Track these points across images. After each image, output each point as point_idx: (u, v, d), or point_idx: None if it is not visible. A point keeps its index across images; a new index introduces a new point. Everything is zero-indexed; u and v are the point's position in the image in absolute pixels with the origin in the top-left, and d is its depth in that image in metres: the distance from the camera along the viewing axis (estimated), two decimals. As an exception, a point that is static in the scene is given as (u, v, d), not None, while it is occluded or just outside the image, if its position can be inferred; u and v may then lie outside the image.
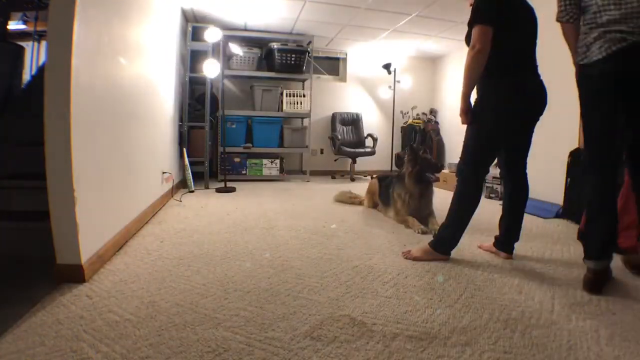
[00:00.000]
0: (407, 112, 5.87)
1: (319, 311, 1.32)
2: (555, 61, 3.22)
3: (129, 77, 2.12)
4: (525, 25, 1.73)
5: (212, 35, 3.79)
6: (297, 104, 4.82)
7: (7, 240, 1.76)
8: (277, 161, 4.81)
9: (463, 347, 1.11)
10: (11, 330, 1.13)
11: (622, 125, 1.50)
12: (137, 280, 1.54)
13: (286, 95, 4.78)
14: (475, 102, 1.77)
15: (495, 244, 1.97)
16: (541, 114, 1.78)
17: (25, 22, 3.49)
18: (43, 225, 1.48)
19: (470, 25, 1.67)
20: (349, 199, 3.42)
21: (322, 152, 5.72)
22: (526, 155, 1.88)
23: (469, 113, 1.76)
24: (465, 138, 1.82)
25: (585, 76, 1.53)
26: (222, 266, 1.73)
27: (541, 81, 1.76)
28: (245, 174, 4.73)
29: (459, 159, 1.84)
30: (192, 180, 3.83)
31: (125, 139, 2.10)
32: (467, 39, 1.71)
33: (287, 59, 4.63)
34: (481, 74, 1.67)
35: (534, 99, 1.74)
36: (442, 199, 3.14)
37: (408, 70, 5.89)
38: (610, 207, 1.52)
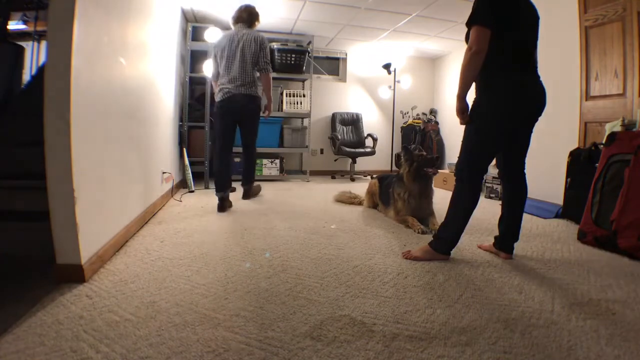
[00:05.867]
0: (407, 112, 5.87)
1: (319, 311, 1.32)
2: (555, 61, 3.23)
3: (129, 77, 2.12)
4: (527, 25, 1.73)
5: (212, 35, 3.79)
6: (297, 104, 4.82)
7: (7, 240, 1.75)
8: (277, 161, 4.81)
9: (463, 347, 1.11)
10: (11, 330, 1.13)
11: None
12: (137, 280, 1.54)
13: (286, 95, 4.78)
14: (473, 101, 1.77)
15: (495, 244, 1.97)
16: (540, 114, 1.78)
17: (25, 22, 3.49)
18: (43, 225, 1.47)
19: (468, 25, 1.67)
20: (349, 199, 3.42)
21: (322, 152, 5.72)
22: (524, 156, 1.88)
23: (465, 113, 1.76)
24: (463, 138, 1.82)
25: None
26: (222, 266, 1.73)
27: (541, 82, 1.75)
28: (245, 174, 4.73)
29: (457, 159, 1.84)
30: (192, 180, 3.83)
31: (126, 138, 2.10)
32: (467, 39, 1.71)
33: (287, 59, 4.63)
34: (478, 74, 1.67)
35: (533, 99, 1.73)
36: (442, 198, 3.14)
37: (408, 70, 5.89)
38: None
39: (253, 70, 3.06)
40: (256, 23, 3.23)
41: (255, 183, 3.66)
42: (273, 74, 4.81)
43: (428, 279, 1.63)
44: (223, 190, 3.00)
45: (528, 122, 1.80)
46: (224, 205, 2.98)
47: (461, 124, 1.80)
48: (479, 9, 1.63)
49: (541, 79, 1.76)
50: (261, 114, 3.32)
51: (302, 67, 4.75)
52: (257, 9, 3.22)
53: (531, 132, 1.84)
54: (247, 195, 3.52)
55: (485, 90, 1.74)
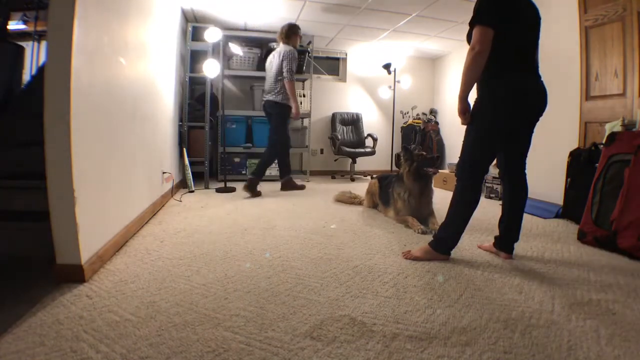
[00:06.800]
0: (407, 112, 5.87)
1: (319, 311, 1.32)
2: (555, 61, 3.23)
3: (129, 77, 2.12)
4: (528, 26, 1.72)
5: (212, 35, 3.79)
6: (297, 104, 4.81)
7: (7, 240, 1.75)
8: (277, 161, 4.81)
9: (463, 347, 1.11)
10: (11, 330, 1.13)
11: None
12: (137, 280, 1.54)
13: (286, 95, 4.78)
14: (475, 102, 1.77)
15: (495, 244, 1.97)
16: (541, 114, 1.78)
17: (25, 22, 3.49)
18: (43, 225, 1.48)
19: (471, 24, 1.67)
20: (349, 199, 3.42)
21: (322, 152, 5.72)
22: (525, 156, 1.88)
23: (467, 113, 1.76)
24: (464, 138, 1.82)
25: None
26: (222, 266, 1.73)
27: (542, 82, 1.75)
28: (245, 174, 4.73)
29: (458, 159, 1.84)
30: (192, 180, 3.83)
31: (125, 138, 2.10)
32: (469, 38, 1.71)
33: (287, 59, 4.62)
34: (480, 74, 1.67)
35: (534, 100, 1.73)
36: (442, 198, 3.14)
37: (408, 70, 5.89)
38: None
39: (276, 80, 3.66)
40: (293, 37, 3.74)
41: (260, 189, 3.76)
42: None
43: (428, 279, 1.63)
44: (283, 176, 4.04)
45: (529, 122, 1.80)
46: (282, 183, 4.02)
47: (463, 124, 1.80)
48: (482, 8, 1.63)
49: (542, 78, 1.76)
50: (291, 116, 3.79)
51: (302, 67, 4.75)
52: (290, 25, 3.75)
53: (532, 132, 1.83)
54: (248, 188, 3.57)
55: (486, 91, 1.74)
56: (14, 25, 3.38)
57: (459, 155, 1.84)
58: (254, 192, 3.59)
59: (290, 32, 3.73)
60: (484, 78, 1.70)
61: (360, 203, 3.34)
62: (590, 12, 2.92)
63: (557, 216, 2.94)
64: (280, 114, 3.69)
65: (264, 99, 3.77)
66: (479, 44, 1.59)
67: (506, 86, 1.68)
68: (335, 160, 5.62)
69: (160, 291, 1.45)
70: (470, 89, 1.71)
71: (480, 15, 1.63)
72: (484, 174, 1.82)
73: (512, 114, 1.71)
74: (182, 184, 4.00)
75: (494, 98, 1.70)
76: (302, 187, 4.13)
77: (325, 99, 5.64)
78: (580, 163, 2.69)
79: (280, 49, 3.69)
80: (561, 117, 3.14)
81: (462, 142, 1.83)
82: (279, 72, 3.62)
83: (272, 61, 3.72)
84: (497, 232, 1.98)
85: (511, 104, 1.68)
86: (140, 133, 2.39)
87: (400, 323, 1.24)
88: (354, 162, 5.29)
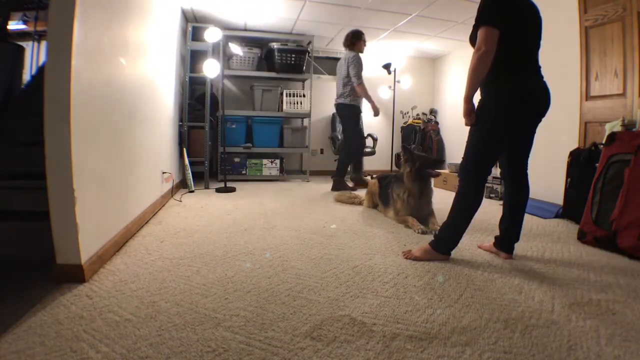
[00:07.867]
0: (407, 112, 5.87)
1: (319, 311, 1.32)
2: (555, 61, 3.22)
3: (129, 77, 2.12)
4: (530, 26, 1.72)
5: (212, 35, 3.79)
6: (297, 104, 4.81)
7: (7, 240, 1.75)
8: (277, 161, 4.81)
9: (463, 347, 1.11)
10: (11, 330, 1.13)
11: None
12: (137, 280, 1.54)
13: (286, 95, 4.78)
14: (479, 102, 1.77)
15: (495, 244, 1.97)
16: (544, 115, 1.78)
17: (25, 22, 3.49)
18: (43, 225, 1.48)
19: (476, 26, 1.66)
20: (349, 199, 3.42)
21: (322, 152, 5.71)
22: (527, 156, 1.88)
23: (472, 114, 1.75)
24: (467, 139, 1.81)
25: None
26: (222, 266, 1.73)
27: (544, 82, 1.75)
28: (245, 174, 4.73)
29: (461, 160, 1.84)
30: (192, 180, 3.83)
31: (125, 138, 2.10)
32: (472, 40, 1.71)
33: (287, 59, 4.63)
34: (485, 75, 1.66)
35: (536, 101, 1.73)
36: (442, 198, 3.14)
37: (408, 70, 5.89)
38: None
39: (344, 85, 4.05)
40: (357, 43, 4.03)
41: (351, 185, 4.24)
42: (272, 74, 4.85)
43: (428, 279, 1.63)
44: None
45: (531, 123, 1.80)
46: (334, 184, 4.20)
47: (467, 125, 1.80)
48: (486, 9, 1.63)
49: (544, 79, 1.76)
50: (372, 114, 4.22)
51: (302, 67, 4.75)
52: (354, 32, 4.02)
53: (534, 133, 1.83)
54: (333, 187, 4.16)
55: (490, 92, 1.74)
56: (14, 25, 3.38)
57: (459, 156, 1.84)
58: (343, 187, 4.10)
59: (355, 39, 4.02)
60: (487, 79, 1.70)
61: (360, 203, 3.34)
62: (590, 12, 2.92)
63: (557, 216, 2.93)
64: (351, 115, 4.09)
65: (336, 102, 4.19)
66: (485, 45, 1.59)
67: (509, 87, 1.68)
68: (335, 160, 5.61)
69: (160, 291, 1.45)
70: (476, 90, 1.71)
71: (484, 16, 1.62)
72: (487, 175, 1.81)
73: (516, 114, 1.70)
74: (182, 184, 4.00)
75: (498, 99, 1.70)
76: (353, 189, 4.22)
77: (326, 99, 5.64)
78: (580, 163, 2.69)
79: (345, 56, 4.02)
80: (561, 117, 3.14)
81: (462, 142, 1.83)
82: (346, 77, 3.99)
83: (341, 67, 4.08)
84: (497, 232, 1.98)
85: (514, 104, 1.68)
86: (140, 133, 2.39)
87: (400, 323, 1.24)
88: (354, 162, 5.28)
